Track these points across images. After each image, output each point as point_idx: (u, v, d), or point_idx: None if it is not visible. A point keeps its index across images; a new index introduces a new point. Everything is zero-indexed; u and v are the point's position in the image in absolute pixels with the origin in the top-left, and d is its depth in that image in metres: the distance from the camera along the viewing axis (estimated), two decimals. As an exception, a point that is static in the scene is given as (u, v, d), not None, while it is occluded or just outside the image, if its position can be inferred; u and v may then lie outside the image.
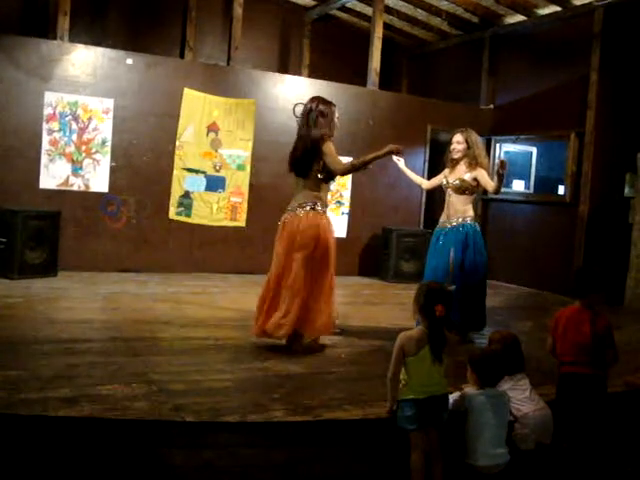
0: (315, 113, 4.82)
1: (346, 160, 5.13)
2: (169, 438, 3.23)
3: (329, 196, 5.15)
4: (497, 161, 5.60)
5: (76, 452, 3.10)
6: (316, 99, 4.94)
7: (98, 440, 3.15)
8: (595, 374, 3.69)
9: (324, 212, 4.86)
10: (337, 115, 4.93)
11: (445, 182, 5.72)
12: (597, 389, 3.70)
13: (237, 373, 4.16)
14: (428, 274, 5.61)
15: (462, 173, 5.60)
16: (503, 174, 5.28)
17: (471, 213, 5.65)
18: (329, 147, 4.74)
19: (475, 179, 5.55)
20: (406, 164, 6.04)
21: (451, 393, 3.56)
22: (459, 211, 5.59)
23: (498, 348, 3.73)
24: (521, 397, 3.59)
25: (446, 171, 5.78)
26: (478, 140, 5.68)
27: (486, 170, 5.60)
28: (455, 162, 5.67)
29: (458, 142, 5.63)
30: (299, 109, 5.00)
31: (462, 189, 5.59)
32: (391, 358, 3.41)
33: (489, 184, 5.52)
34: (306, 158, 4.79)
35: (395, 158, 6.01)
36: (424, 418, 3.34)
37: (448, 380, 3.49)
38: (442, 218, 5.72)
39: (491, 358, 3.53)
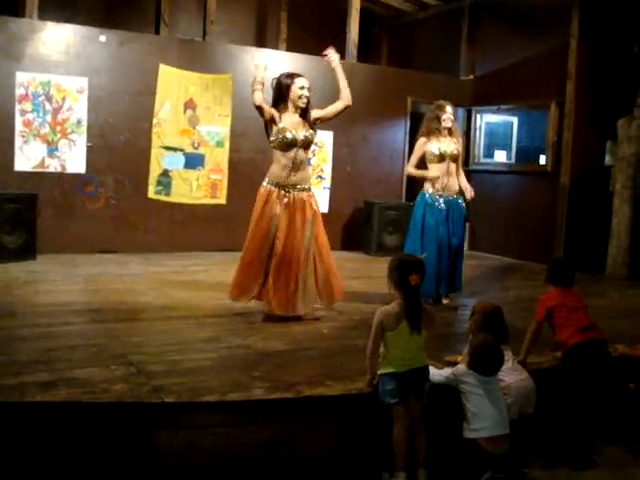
0: (274, 88, 4.99)
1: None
2: (149, 420, 3.20)
3: (310, 170, 5.17)
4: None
5: (55, 437, 3.06)
6: (282, 74, 5.03)
7: (77, 424, 3.11)
8: (602, 339, 3.85)
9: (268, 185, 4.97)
10: (301, 85, 4.94)
11: (443, 150, 5.78)
12: (606, 352, 3.89)
13: (217, 352, 4.12)
14: (414, 245, 5.71)
15: (453, 142, 5.82)
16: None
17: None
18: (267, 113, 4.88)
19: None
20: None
21: (439, 367, 3.59)
22: (455, 183, 5.83)
23: (479, 319, 3.75)
24: (504, 368, 3.59)
25: (422, 140, 5.85)
26: None
27: None
28: (445, 131, 5.81)
29: (450, 112, 5.84)
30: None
31: (457, 157, 5.83)
32: (370, 334, 3.40)
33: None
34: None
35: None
36: (405, 391, 3.34)
37: (429, 353, 3.48)
38: (438, 185, 5.76)
39: (492, 350, 3.48)
